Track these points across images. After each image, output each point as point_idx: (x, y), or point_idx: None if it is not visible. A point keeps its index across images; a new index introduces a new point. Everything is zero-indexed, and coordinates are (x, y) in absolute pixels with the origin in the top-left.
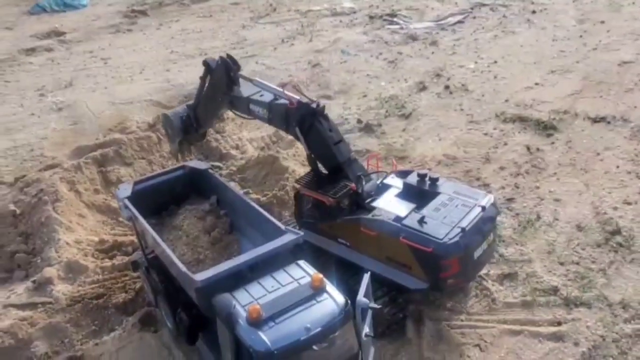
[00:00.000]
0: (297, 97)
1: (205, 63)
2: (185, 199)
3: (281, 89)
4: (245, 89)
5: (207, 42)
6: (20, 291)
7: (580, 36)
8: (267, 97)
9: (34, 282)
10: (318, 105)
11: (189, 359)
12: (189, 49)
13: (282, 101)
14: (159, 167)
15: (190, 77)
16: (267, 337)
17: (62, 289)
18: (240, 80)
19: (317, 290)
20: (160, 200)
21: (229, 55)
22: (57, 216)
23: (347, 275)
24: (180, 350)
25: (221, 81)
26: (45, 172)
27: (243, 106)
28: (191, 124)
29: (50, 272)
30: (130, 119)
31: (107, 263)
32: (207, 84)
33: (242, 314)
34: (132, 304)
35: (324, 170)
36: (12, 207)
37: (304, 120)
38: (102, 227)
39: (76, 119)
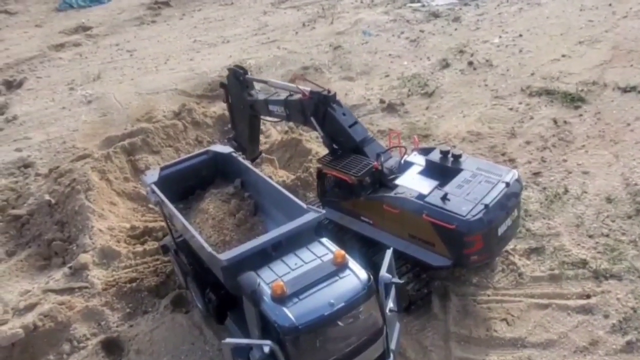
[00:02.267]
0: (309, 88)
1: (221, 84)
2: (210, 182)
3: (294, 85)
4: (263, 93)
5: (229, 30)
6: (57, 277)
7: (610, 4)
8: (283, 95)
9: (70, 268)
10: (329, 92)
11: (219, 337)
12: (212, 37)
13: (296, 96)
14: (186, 153)
15: (213, 65)
16: (291, 313)
17: (97, 274)
18: (257, 85)
19: (339, 267)
20: (186, 185)
21: (235, 65)
22: (89, 204)
23: (370, 252)
24: (211, 330)
25: (236, 89)
26: (77, 163)
27: (263, 108)
28: (240, 150)
29: (85, 258)
30: (157, 108)
31: (139, 248)
32: (230, 102)
33: (266, 290)
34: (164, 286)
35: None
36: (47, 197)
37: (318, 109)
38: (132, 214)
39: (105, 111)
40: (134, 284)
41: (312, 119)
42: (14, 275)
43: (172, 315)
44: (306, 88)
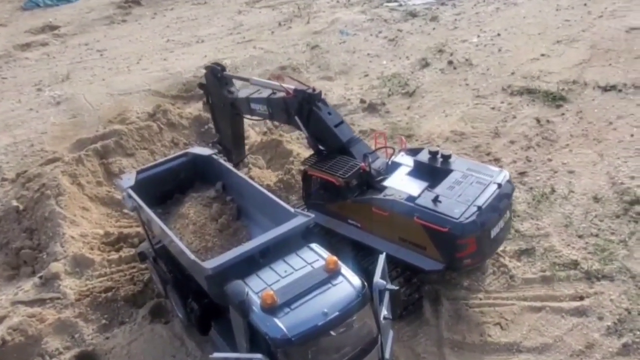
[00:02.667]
0: (293, 86)
1: (200, 85)
2: (190, 186)
3: (277, 83)
4: (245, 91)
5: (203, 29)
6: (27, 287)
7: (585, 4)
8: (265, 93)
9: (40, 277)
10: (314, 90)
11: (202, 349)
12: (185, 36)
13: (279, 94)
14: (161, 157)
15: (187, 65)
16: (283, 324)
17: (69, 284)
18: (238, 83)
19: (332, 274)
20: (164, 189)
21: (213, 62)
22: (60, 210)
23: (359, 256)
24: (193, 341)
25: (216, 88)
26: (47, 167)
27: (245, 107)
28: (225, 154)
29: (56, 267)
30: (130, 109)
31: (114, 256)
32: (211, 102)
33: (255, 300)
34: (142, 295)
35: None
36: (15, 203)
37: (302, 108)
38: (106, 220)
39: (75, 112)
40: (109, 294)
41: (297, 118)
42: None
43: (151, 326)
44: (290, 86)
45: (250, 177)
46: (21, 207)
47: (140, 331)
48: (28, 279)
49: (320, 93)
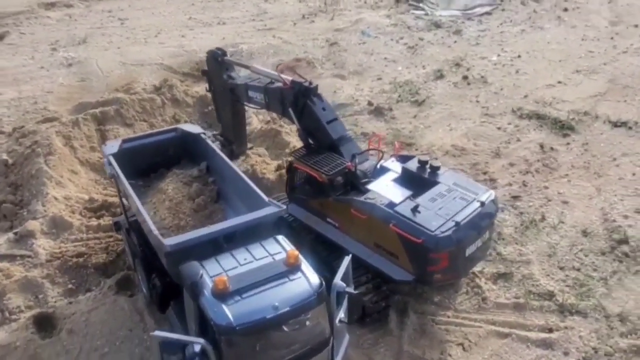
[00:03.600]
0: (291, 78)
1: (203, 71)
2: (176, 162)
3: (276, 73)
4: (244, 78)
5: (227, 12)
6: (1, 242)
7: (612, 38)
8: (264, 82)
9: (15, 233)
10: (310, 83)
11: (160, 326)
12: (208, 17)
13: (277, 84)
14: None
15: (204, 44)
16: (230, 312)
17: (43, 244)
18: (241, 70)
19: (291, 268)
20: (150, 162)
21: (216, 48)
22: (47, 169)
23: (332, 257)
24: (153, 318)
25: (216, 72)
26: (43, 125)
27: (243, 94)
28: (227, 145)
29: (33, 225)
30: (138, 80)
31: (94, 222)
32: (212, 90)
33: (208, 284)
34: (112, 266)
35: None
36: (4, 156)
37: (297, 100)
38: (94, 186)
39: (84, 76)
40: (80, 259)
41: (290, 109)
42: None
43: (114, 297)
44: (287, 77)
45: (252, 167)
46: (10, 161)
47: (103, 301)
48: (4, 233)
49: (316, 87)
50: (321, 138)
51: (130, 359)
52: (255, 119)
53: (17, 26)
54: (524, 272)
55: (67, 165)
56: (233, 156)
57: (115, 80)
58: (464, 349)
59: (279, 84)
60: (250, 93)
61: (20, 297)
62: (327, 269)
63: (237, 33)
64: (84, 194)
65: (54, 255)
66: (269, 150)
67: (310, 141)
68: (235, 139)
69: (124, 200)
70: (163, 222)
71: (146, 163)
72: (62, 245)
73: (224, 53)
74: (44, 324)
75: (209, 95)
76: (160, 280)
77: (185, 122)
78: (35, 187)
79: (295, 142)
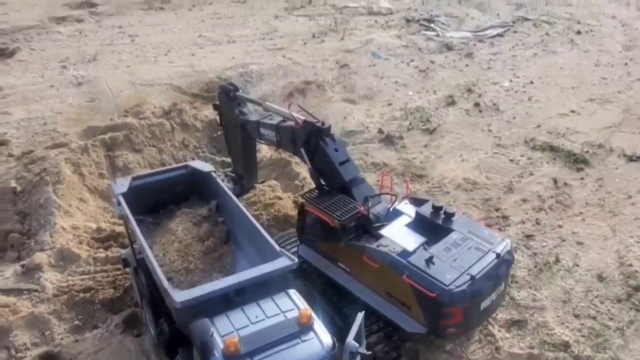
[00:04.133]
0: (303, 117)
1: (214, 106)
2: (185, 199)
3: (288, 112)
4: (256, 115)
5: (237, 30)
6: (8, 274)
7: (626, 64)
8: (276, 119)
9: (22, 266)
10: (323, 124)
11: None
12: (218, 34)
13: (289, 122)
14: (169, 156)
15: (214, 64)
16: None
17: (50, 277)
18: (251, 105)
19: (303, 327)
20: (158, 198)
21: (228, 83)
22: (56, 199)
23: (343, 302)
24: None
25: (228, 108)
26: (52, 151)
27: (255, 130)
28: (238, 181)
29: (40, 257)
30: (148, 102)
31: (101, 254)
32: (224, 124)
33: (218, 344)
34: (120, 302)
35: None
36: (13, 183)
37: (309, 140)
38: (102, 214)
39: (94, 96)
40: (87, 294)
41: (302, 150)
42: None
43: (121, 337)
44: (300, 117)
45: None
46: (19, 188)
47: (109, 340)
48: (11, 265)
49: (329, 128)
50: (333, 179)
51: None
52: (265, 147)
53: (27, 41)
54: (538, 320)
55: (75, 193)
56: (243, 191)
57: (125, 101)
58: None
59: (291, 123)
60: (262, 130)
61: (27, 334)
62: (337, 315)
63: (247, 52)
64: (91, 222)
65: (61, 290)
66: (278, 180)
67: (322, 181)
68: (245, 173)
69: (131, 239)
70: (172, 264)
71: (155, 199)
72: (69, 278)
73: (236, 88)
74: None
75: (218, 118)
76: (168, 326)
77: (195, 147)
78: (44, 216)
79: (305, 173)
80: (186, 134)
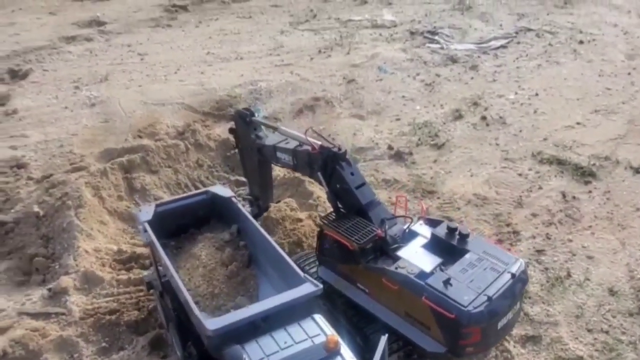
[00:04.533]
0: (319, 142)
1: (230, 130)
2: (206, 222)
3: (304, 137)
4: (272, 139)
5: (244, 46)
6: (35, 298)
7: (629, 73)
8: (292, 143)
9: (49, 290)
10: (339, 149)
11: None
12: (226, 51)
13: (305, 147)
14: (185, 176)
15: (223, 82)
16: None
17: (76, 300)
18: (265, 129)
19: (330, 353)
20: (180, 223)
21: (244, 108)
22: (78, 223)
23: (362, 322)
24: None
25: (243, 131)
26: (72, 175)
27: (271, 154)
28: (254, 202)
29: (66, 281)
30: (161, 121)
31: (123, 276)
32: (240, 147)
33: None
34: (144, 323)
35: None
36: (36, 208)
37: (326, 165)
38: (122, 236)
39: (108, 117)
40: (113, 317)
41: (319, 174)
42: None
43: (148, 359)
44: (316, 142)
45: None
46: (41, 212)
47: None
48: (37, 288)
49: (345, 152)
50: (350, 202)
51: None
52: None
53: (39, 62)
54: (553, 335)
55: (96, 216)
56: (260, 211)
57: (138, 121)
58: None
59: (308, 148)
60: (279, 154)
61: (57, 357)
62: (359, 335)
63: (255, 69)
64: (112, 244)
65: (87, 313)
66: (291, 199)
67: (339, 204)
68: (261, 194)
69: (157, 264)
70: (197, 289)
71: (176, 224)
72: (94, 301)
73: (252, 113)
74: None
75: (231, 138)
76: (197, 349)
77: (209, 166)
78: (67, 240)
79: (319, 192)
80: (200, 153)
